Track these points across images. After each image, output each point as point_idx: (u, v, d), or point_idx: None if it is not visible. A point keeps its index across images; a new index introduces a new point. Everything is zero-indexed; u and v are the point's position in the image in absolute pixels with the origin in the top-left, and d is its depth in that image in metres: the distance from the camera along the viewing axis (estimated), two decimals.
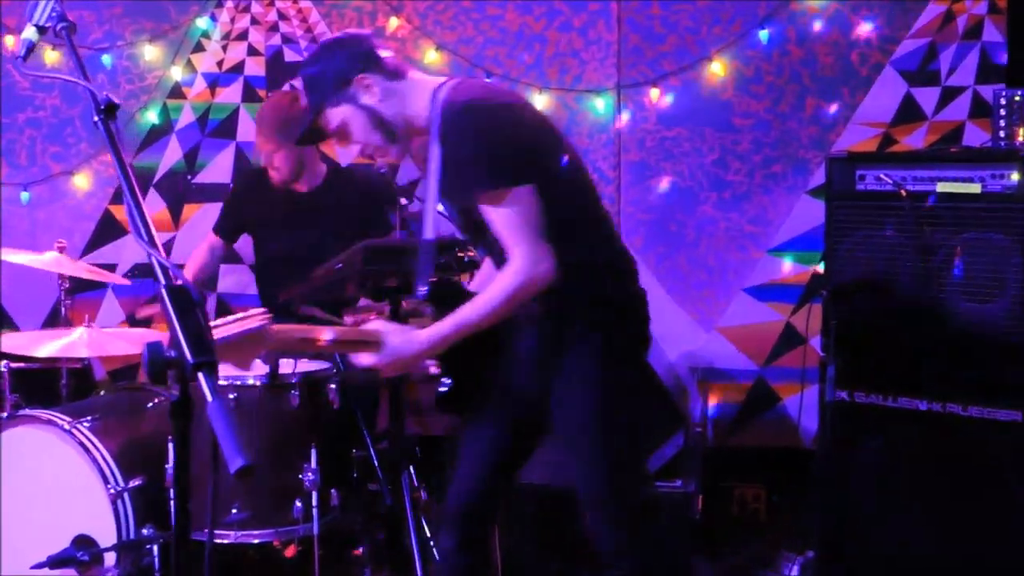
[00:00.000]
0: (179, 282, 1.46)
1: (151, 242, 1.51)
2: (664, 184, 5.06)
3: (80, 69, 1.69)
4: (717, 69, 4.95)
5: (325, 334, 2.64)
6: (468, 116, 2.66)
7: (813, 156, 4.86)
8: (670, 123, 5.04)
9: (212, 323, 2.32)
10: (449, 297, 2.79)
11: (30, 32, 1.74)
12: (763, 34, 4.91)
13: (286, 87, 5.27)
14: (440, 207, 2.89)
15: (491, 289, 2.64)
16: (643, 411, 2.94)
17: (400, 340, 2.65)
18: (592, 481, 2.80)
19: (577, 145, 5.05)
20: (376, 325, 2.73)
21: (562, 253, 2.65)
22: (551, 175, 2.71)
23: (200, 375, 1.40)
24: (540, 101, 5.09)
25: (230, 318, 2.45)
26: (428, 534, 4.05)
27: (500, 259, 2.71)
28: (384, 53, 2.83)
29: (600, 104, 5.06)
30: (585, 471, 2.80)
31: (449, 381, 2.85)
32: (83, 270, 4.26)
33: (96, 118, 1.62)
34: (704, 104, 4.99)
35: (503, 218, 2.61)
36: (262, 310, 2.47)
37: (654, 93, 5.01)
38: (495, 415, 2.93)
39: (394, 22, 5.21)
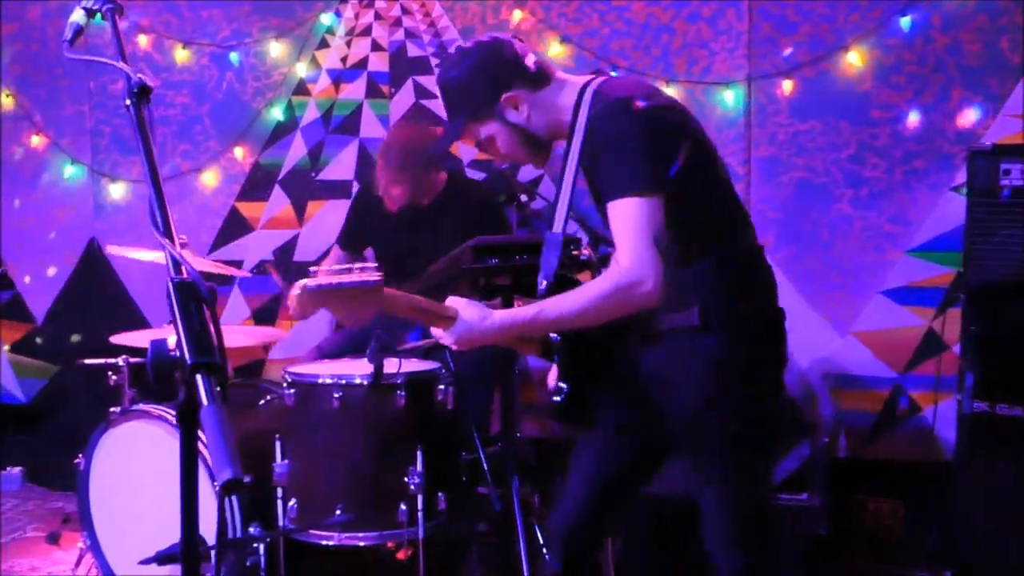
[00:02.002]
0: (188, 278, 1.36)
1: (167, 233, 1.42)
2: (797, 181, 4.82)
3: (119, 51, 1.61)
4: (854, 59, 4.68)
5: (417, 301, 2.56)
6: (612, 118, 2.53)
7: (959, 151, 4.55)
8: (804, 116, 4.79)
9: (329, 268, 2.36)
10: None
11: (78, 15, 1.67)
12: (904, 21, 4.62)
13: (408, 83, 5.22)
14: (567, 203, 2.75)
15: (583, 289, 2.52)
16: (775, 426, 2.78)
17: (474, 315, 2.53)
18: (719, 499, 2.65)
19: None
20: (453, 300, 2.60)
21: (705, 262, 2.56)
22: (690, 181, 2.55)
23: (198, 377, 1.28)
24: (667, 93, 4.90)
25: (346, 266, 2.40)
26: (541, 541, 3.94)
27: None
28: (529, 58, 2.72)
29: (730, 97, 4.84)
30: (713, 489, 2.65)
31: (566, 388, 2.71)
32: (206, 265, 4.26)
33: (127, 101, 1.54)
34: (840, 96, 4.73)
35: (622, 222, 2.48)
36: (375, 265, 2.39)
37: (787, 85, 4.78)
38: (612, 432, 2.80)
39: (518, 15, 5.10)
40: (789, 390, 4.41)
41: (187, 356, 1.30)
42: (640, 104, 2.53)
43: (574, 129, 2.62)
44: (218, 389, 1.28)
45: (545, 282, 2.69)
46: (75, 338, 5.80)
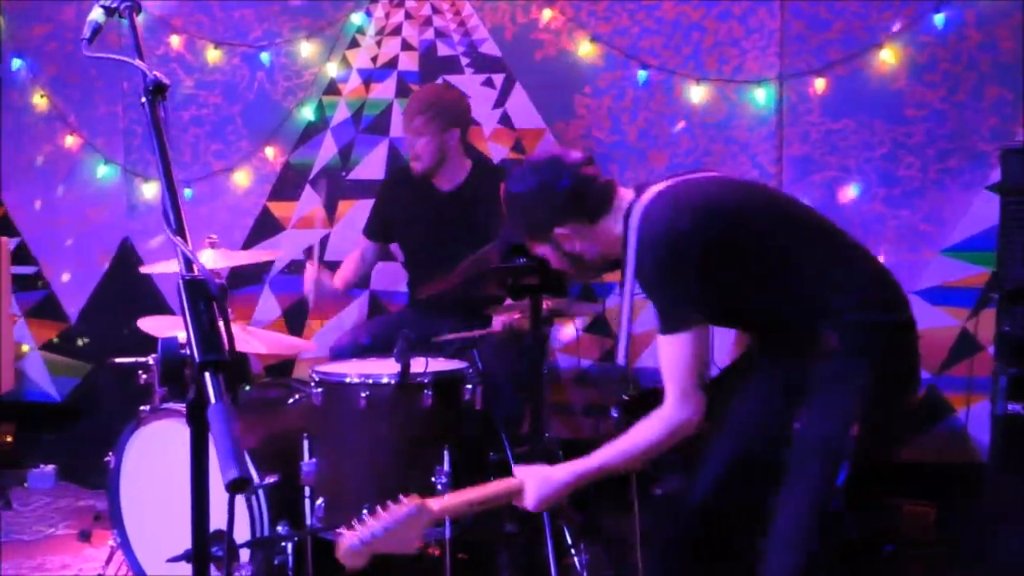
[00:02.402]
0: (198, 275, 1.35)
1: (179, 231, 1.42)
2: (829, 180, 4.78)
3: (136, 48, 1.61)
4: (888, 56, 4.64)
5: (474, 495, 2.72)
6: (650, 253, 2.60)
7: (993, 149, 4.48)
8: (836, 115, 4.75)
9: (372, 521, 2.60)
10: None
11: (97, 13, 1.67)
12: (939, 18, 4.57)
13: (438, 82, 5.21)
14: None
15: (637, 435, 2.65)
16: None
17: (537, 484, 2.69)
18: (796, 508, 2.65)
19: (736, 138, 4.88)
20: (515, 478, 2.75)
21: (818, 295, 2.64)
22: (765, 250, 2.67)
23: (206, 375, 1.28)
24: (698, 92, 4.88)
25: (384, 514, 2.62)
26: (569, 542, 3.92)
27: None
28: (589, 178, 2.74)
29: (761, 95, 4.81)
30: (797, 493, 2.65)
31: None
32: (235, 259, 4.26)
33: (143, 99, 1.53)
34: (873, 94, 4.68)
35: (665, 360, 2.62)
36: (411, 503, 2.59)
37: (819, 83, 4.74)
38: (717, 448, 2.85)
39: (547, 14, 5.08)
40: None
41: (196, 354, 1.29)
42: (672, 235, 2.56)
43: (627, 258, 2.66)
44: (226, 387, 1.27)
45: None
46: (81, 341, 5.87)
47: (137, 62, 1.56)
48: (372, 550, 2.60)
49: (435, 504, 2.66)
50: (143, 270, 4.88)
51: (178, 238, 1.41)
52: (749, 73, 4.84)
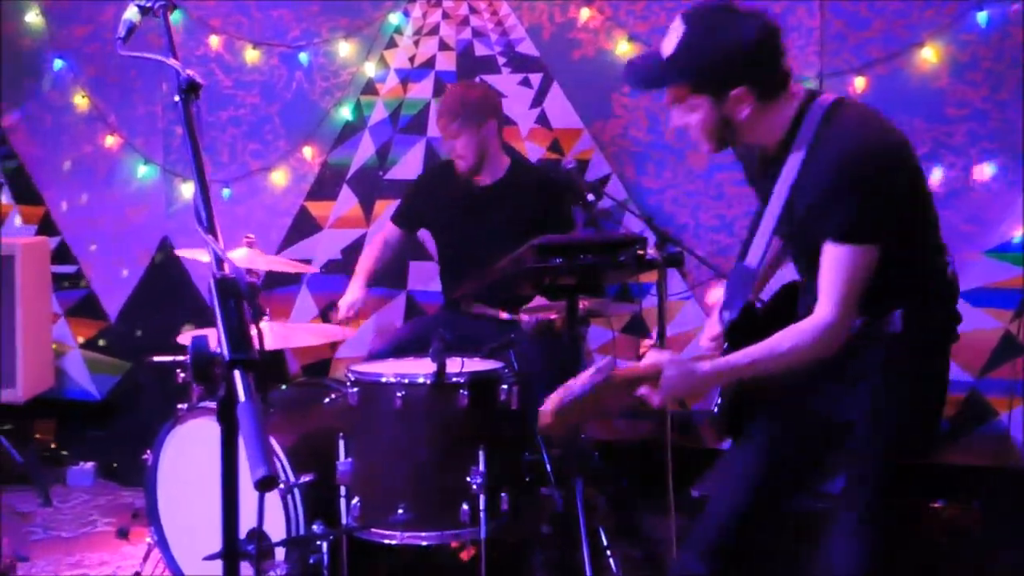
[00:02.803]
0: (229, 274, 1.35)
1: (210, 228, 1.42)
2: None
3: (170, 47, 1.61)
4: (929, 55, 4.58)
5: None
6: (847, 156, 2.42)
7: None
8: None
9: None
10: (748, 331, 2.59)
11: (131, 12, 1.68)
12: (981, 16, 4.51)
13: (476, 82, 5.21)
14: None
15: (785, 333, 2.47)
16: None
17: (677, 373, 2.48)
18: (864, 497, 2.64)
19: None
20: (653, 357, 2.54)
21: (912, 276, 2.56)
22: (917, 213, 2.56)
23: (235, 373, 1.27)
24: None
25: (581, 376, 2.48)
26: (605, 543, 3.90)
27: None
28: (780, 56, 2.51)
29: None
30: (865, 490, 2.64)
31: (719, 401, 2.69)
32: (273, 263, 4.27)
33: (177, 97, 1.53)
34: (914, 93, 4.62)
35: (837, 269, 2.44)
36: (606, 360, 2.47)
37: (859, 82, 4.68)
38: (771, 440, 2.74)
39: (585, 13, 5.06)
40: None
41: (225, 352, 1.29)
42: (876, 146, 2.44)
43: (790, 149, 2.50)
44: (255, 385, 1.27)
45: (728, 316, 2.64)
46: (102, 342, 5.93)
47: (171, 61, 1.56)
48: (578, 411, 2.49)
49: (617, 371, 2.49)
50: (179, 252, 4.88)
51: (209, 236, 1.41)
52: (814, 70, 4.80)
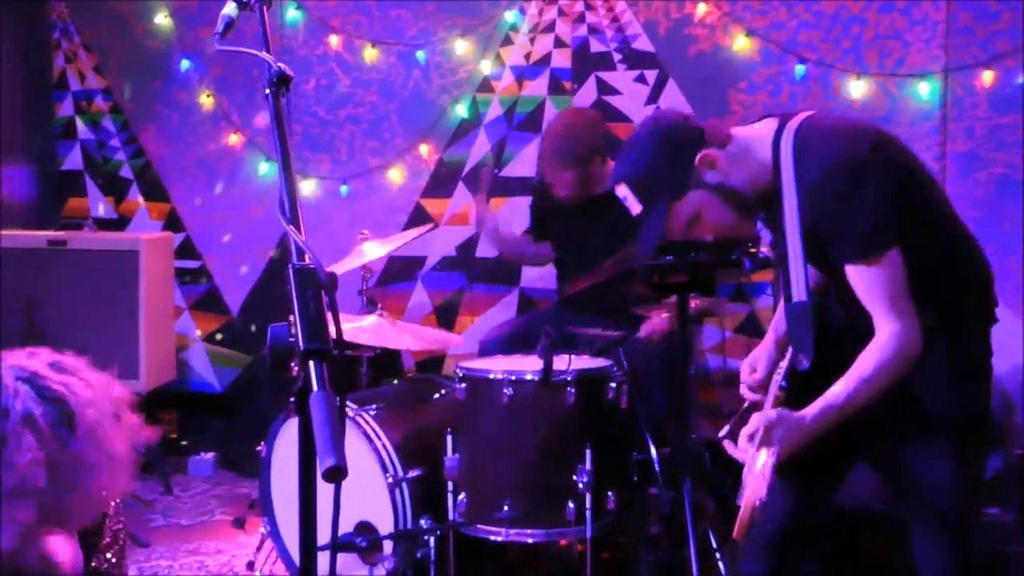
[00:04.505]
0: (308, 264, 1.36)
1: (293, 220, 1.43)
2: (996, 178, 4.57)
3: (264, 41, 1.62)
4: None
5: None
6: (831, 176, 2.42)
7: None
8: (1004, 109, 4.54)
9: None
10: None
11: (230, 8, 1.70)
12: None
13: (590, 79, 5.19)
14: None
15: (867, 360, 2.45)
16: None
17: (786, 430, 2.44)
18: (945, 499, 2.59)
19: (897, 134, 4.68)
20: (760, 420, 2.49)
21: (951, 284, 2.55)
22: (923, 215, 2.53)
23: (310, 363, 1.28)
24: (858, 87, 4.74)
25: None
26: (714, 545, 3.84)
27: (852, 310, 2.53)
28: (686, 115, 2.66)
29: (924, 89, 4.64)
30: (941, 489, 2.59)
31: (785, 385, 2.65)
32: (394, 241, 4.30)
33: (267, 90, 1.55)
34: None
35: (870, 284, 2.45)
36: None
37: (987, 76, 4.54)
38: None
39: (702, 8, 5.00)
40: None
41: (301, 342, 1.30)
42: (857, 152, 2.42)
43: (780, 183, 2.51)
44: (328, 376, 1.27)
45: (806, 361, 2.60)
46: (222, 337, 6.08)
47: (263, 54, 1.58)
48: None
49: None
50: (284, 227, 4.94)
51: (291, 227, 1.42)
52: (912, 67, 4.68)
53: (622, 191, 2.65)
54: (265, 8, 1.66)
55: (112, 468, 2.03)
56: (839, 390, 2.46)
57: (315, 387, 1.26)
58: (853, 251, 2.43)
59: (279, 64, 1.53)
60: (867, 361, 2.44)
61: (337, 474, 1.18)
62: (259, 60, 1.59)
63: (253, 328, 5.97)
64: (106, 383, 2.02)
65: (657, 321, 4.11)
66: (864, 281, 2.44)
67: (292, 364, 1.35)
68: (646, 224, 2.64)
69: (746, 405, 2.82)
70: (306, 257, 1.40)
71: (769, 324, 2.92)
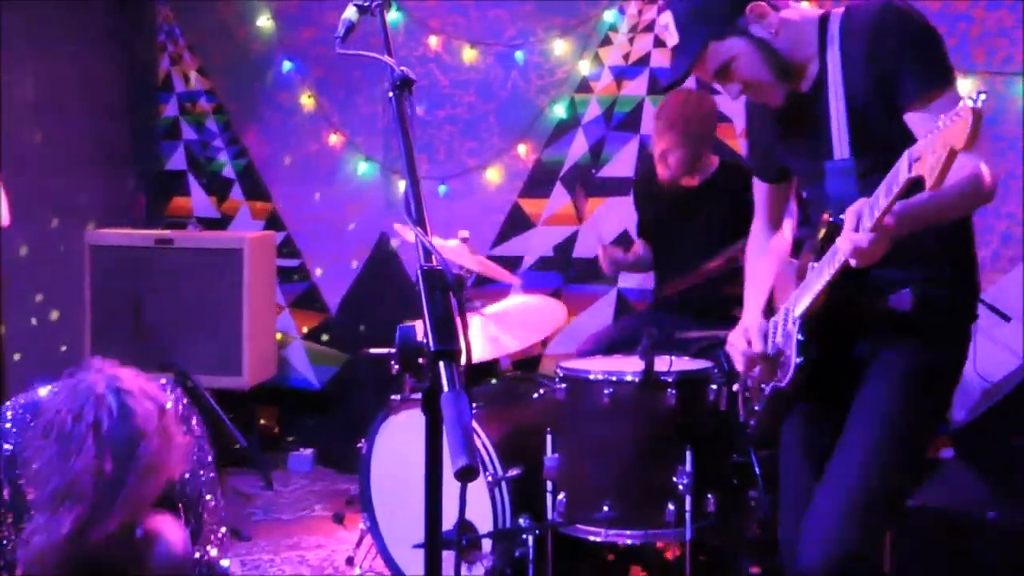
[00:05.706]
0: (437, 266, 1.38)
1: (419, 222, 1.45)
2: None
3: (386, 45, 1.65)
4: None
5: None
6: (896, 19, 2.37)
7: None
8: None
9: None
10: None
11: (350, 12, 1.72)
12: None
13: (690, 79, 5.15)
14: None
15: (963, 172, 2.20)
16: None
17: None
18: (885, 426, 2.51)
19: (1004, 134, 4.61)
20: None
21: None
22: None
23: (440, 364, 1.29)
24: (964, 86, 4.63)
25: None
26: None
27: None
28: None
29: None
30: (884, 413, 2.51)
31: (801, 362, 2.56)
32: (477, 263, 4.31)
33: (390, 94, 1.57)
34: None
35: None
36: None
37: None
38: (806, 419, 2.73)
39: (804, 5, 4.93)
40: None
41: (431, 343, 1.32)
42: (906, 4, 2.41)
43: (826, 61, 2.45)
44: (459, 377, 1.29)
45: (836, 214, 2.40)
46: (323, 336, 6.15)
47: (385, 58, 1.61)
48: None
49: None
50: (396, 226, 4.97)
51: (418, 229, 1.44)
52: (1021, 64, 4.57)
53: (665, 18, 2.55)
54: (385, 11, 1.68)
55: (142, 504, 2.11)
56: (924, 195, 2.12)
57: (445, 388, 1.28)
58: (934, 81, 2.34)
59: (402, 68, 1.56)
60: (967, 169, 2.22)
61: (469, 474, 1.20)
62: (371, 62, 1.61)
63: (362, 328, 6.01)
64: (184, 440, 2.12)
65: None
66: (943, 109, 2.15)
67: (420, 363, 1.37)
68: (677, 53, 2.53)
69: (768, 391, 2.75)
70: (433, 258, 1.42)
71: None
